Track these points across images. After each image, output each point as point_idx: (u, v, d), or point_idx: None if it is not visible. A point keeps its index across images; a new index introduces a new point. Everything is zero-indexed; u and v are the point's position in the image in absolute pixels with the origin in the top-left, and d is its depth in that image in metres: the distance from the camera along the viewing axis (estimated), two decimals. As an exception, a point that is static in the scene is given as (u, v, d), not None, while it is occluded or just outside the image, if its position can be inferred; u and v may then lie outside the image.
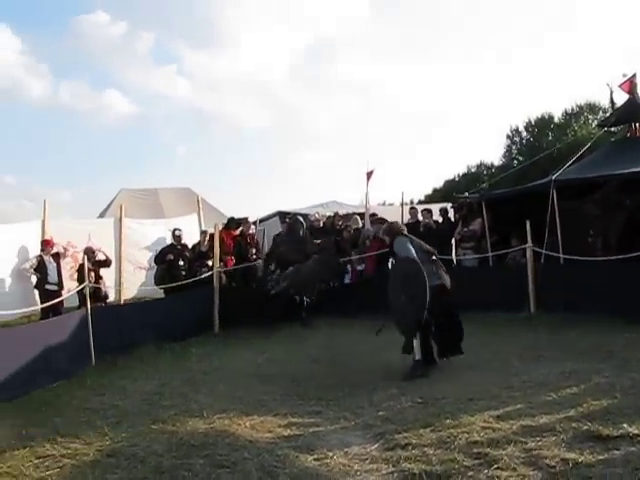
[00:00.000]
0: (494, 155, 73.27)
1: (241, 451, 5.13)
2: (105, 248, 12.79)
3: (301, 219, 13.96)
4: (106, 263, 12.56)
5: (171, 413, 6.52)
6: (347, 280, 14.63)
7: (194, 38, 77.38)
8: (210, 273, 12.56)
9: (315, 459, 4.90)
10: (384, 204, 22.39)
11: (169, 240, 13.56)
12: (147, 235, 14.31)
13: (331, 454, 4.96)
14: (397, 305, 7.87)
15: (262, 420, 6.09)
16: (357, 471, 4.58)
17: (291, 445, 5.26)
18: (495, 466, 4.38)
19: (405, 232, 8.60)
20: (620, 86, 14.92)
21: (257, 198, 63.68)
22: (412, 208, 15.81)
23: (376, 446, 5.09)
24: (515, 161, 49.50)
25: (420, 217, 14.74)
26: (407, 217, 15.14)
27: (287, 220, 16.34)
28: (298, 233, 13.30)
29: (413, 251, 8.03)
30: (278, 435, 5.60)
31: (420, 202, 38.14)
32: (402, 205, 16.16)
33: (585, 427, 5.03)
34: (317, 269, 12.68)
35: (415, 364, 7.71)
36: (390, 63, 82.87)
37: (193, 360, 9.71)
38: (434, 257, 8.28)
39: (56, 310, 10.97)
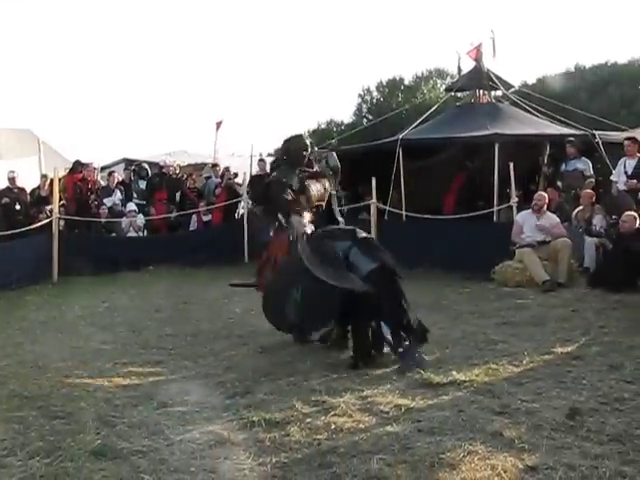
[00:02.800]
0: (345, 113, 74.21)
1: (77, 401, 4.97)
2: None
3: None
4: None
5: (2, 364, 6.20)
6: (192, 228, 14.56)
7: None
8: (50, 219, 11.96)
9: (154, 408, 4.82)
10: (233, 155, 22.23)
11: (5, 183, 12.81)
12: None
13: (171, 403, 4.90)
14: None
15: (101, 370, 5.92)
16: (197, 420, 4.55)
17: (130, 395, 5.15)
18: (332, 413, 4.50)
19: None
20: (467, 53, 15.54)
21: (102, 144, 61.08)
22: (261, 160, 15.79)
23: (216, 395, 5.10)
24: (365, 119, 50.38)
25: (268, 169, 14.78)
26: (256, 169, 15.14)
27: (134, 168, 15.88)
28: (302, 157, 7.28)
29: None
30: (117, 385, 5.47)
31: (269, 155, 38.11)
32: (251, 157, 16.09)
33: (418, 375, 5.30)
34: None
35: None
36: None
37: (29, 309, 9.27)
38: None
39: None
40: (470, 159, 13.85)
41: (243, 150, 20.78)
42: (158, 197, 14.47)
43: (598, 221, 10.17)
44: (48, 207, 12.42)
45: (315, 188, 7.03)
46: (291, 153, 7.33)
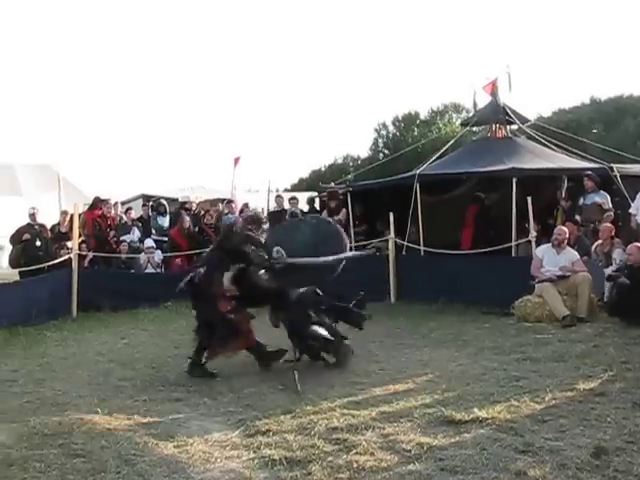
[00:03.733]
0: (361, 148, 74.75)
1: (98, 439, 4.96)
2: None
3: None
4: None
5: (23, 401, 6.21)
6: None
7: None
8: (69, 255, 12.04)
9: (175, 446, 4.81)
10: (250, 190, 22.44)
11: (26, 219, 12.96)
12: (2, 212, 13.61)
13: (191, 441, 4.88)
14: None
15: (120, 407, 5.91)
16: (217, 458, 4.54)
17: (150, 432, 5.14)
18: (354, 451, 4.48)
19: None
20: (483, 88, 15.62)
21: (120, 179, 61.66)
22: (278, 196, 15.91)
23: (237, 433, 5.07)
24: (381, 154, 50.66)
25: (286, 205, 14.88)
26: (273, 205, 15.22)
27: (152, 204, 15.99)
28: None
29: None
30: (137, 422, 5.46)
31: (286, 190, 38.47)
32: (268, 192, 16.20)
33: (439, 413, 5.25)
34: None
35: None
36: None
37: (49, 345, 9.29)
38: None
39: None
40: (483, 191, 13.86)
41: (259, 185, 20.94)
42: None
43: (618, 255, 10.08)
44: (68, 243, 12.52)
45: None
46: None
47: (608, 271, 9.86)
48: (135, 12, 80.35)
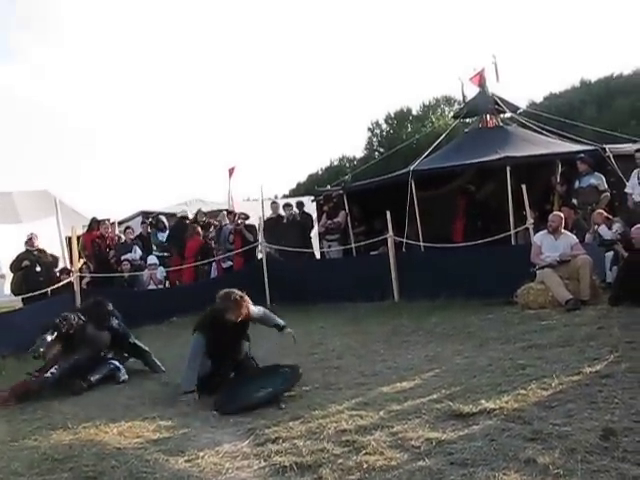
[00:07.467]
0: (356, 148, 74.99)
1: (108, 460, 4.96)
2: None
3: None
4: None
5: (33, 427, 6.21)
6: (213, 276, 14.61)
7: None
8: (70, 279, 12.03)
9: (186, 460, 4.83)
10: (248, 200, 22.39)
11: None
12: (2, 241, 13.64)
13: (202, 454, 4.90)
14: None
15: (130, 425, 5.91)
16: (229, 469, 4.55)
17: (161, 449, 5.15)
18: (363, 452, 4.49)
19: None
20: (471, 79, 15.65)
21: (119, 198, 61.95)
22: (273, 202, 15.88)
23: (247, 442, 5.09)
24: (376, 153, 50.72)
25: (282, 211, 14.95)
26: (269, 212, 15.26)
27: (151, 221, 16.03)
28: None
29: None
30: (147, 439, 5.46)
31: (285, 196, 38.58)
32: (262, 200, 16.12)
33: (447, 407, 5.27)
34: None
35: None
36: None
37: (57, 369, 9.27)
38: None
39: None
40: (478, 182, 13.88)
41: (257, 194, 20.94)
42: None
43: (617, 227, 10.10)
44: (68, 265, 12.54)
45: None
46: None
47: (609, 253, 9.84)
48: (127, 29, 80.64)
